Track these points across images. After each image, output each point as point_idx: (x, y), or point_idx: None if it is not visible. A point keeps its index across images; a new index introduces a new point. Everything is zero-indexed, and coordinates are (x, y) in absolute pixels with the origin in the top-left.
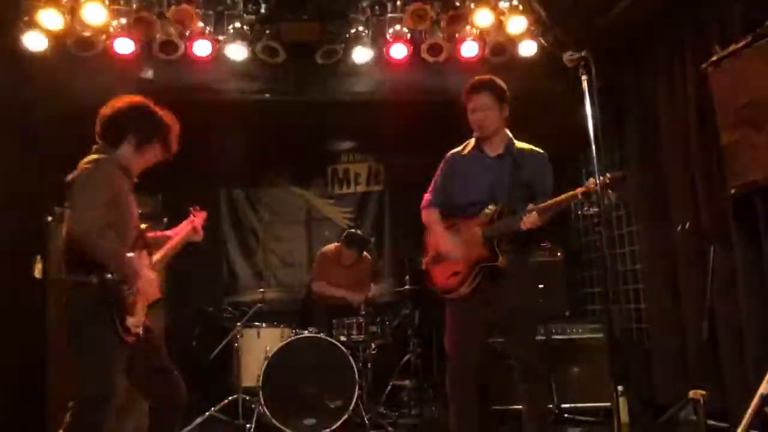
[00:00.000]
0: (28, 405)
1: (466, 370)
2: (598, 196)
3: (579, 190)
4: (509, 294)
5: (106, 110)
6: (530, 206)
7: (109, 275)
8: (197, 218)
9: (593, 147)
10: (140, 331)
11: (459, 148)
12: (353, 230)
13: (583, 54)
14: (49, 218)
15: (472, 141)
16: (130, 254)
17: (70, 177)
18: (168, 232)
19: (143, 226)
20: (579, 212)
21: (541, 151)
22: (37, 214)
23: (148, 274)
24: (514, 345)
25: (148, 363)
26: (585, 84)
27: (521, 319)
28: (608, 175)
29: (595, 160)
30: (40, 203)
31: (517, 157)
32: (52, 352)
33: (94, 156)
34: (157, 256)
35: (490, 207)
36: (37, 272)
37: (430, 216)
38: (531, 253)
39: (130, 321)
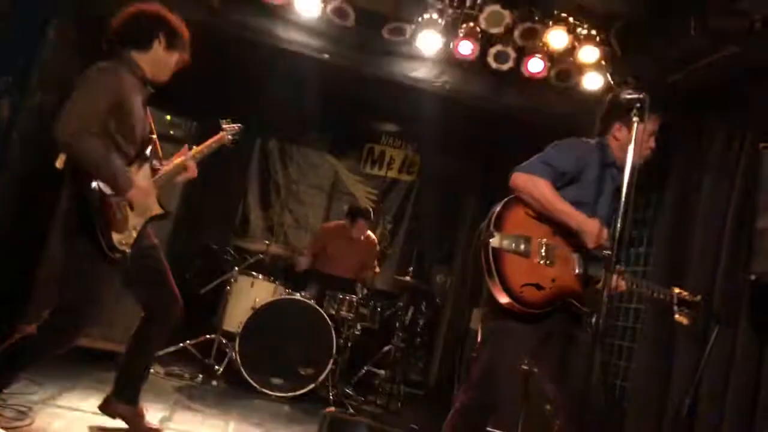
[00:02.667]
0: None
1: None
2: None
3: (673, 293)
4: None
5: (128, 12)
6: (629, 279)
7: (94, 185)
8: (227, 131)
9: (623, 194)
10: (127, 249)
11: (590, 147)
12: (356, 206)
13: (641, 96)
14: None
15: (608, 154)
16: (124, 164)
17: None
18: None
19: (152, 136)
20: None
21: None
22: None
23: (144, 186)
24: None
25: (144, 277)
26: (634, 127)
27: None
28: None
29: (622, 208)
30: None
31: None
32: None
33: (100, 64)
34: (168, 167)
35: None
36: (59, 163)
37: (549, 187)
38: None
39: (116, 237)
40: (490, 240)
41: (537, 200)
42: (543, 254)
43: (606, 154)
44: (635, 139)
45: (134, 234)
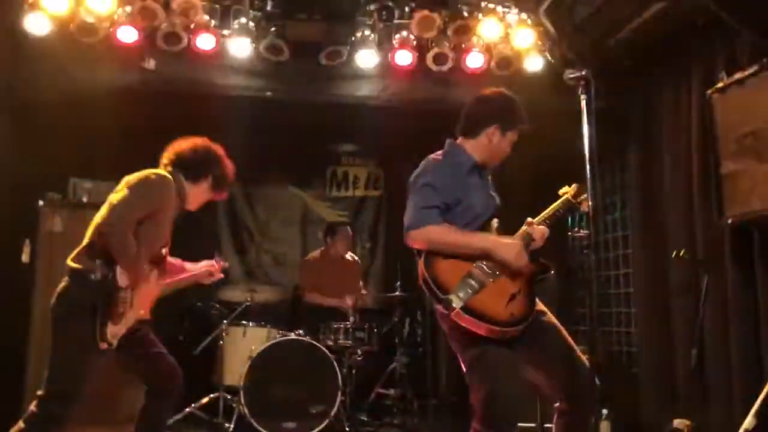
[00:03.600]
0: (6, 388)
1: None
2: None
3: (563, 198)
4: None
5: (189, 146)
6: (529, 220)
7: (111, 274)
8: (217, 266)
9: (588, 167)
10: (114, 343)
11: (451, 163)
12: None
13: (583, 73)
14: (41, 203)
15: (465, 159)
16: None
17: (130, 176)
18: (186, 264)
19: (164, 250)
20: (569, 233)
21: None
22: (30, 198)
23: (148, 289)
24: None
25: (136, 353)
26: (583, 103)
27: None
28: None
29: (589, 181)
30: (34, 188)
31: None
32: (36, 338)
33: (162, 171)
34: (166, 280)
35: (496, 222)
36: (25, 256)
37: (449, 229)
38: None
39: (111, 329)
40: (453, 306)
41: (446, 246)
42: (489, 272)
43: (465, 161)
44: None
45: (123, 330)
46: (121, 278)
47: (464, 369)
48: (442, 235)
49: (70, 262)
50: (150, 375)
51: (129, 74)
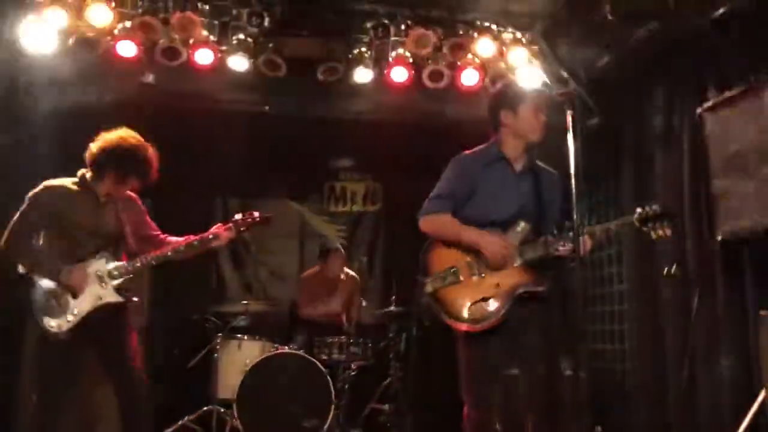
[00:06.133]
0: None
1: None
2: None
3: (636, 215)
4: (552, 319)
5: (93, 145)
6: (586, 228)
7: (25, 276)
8: (224, 228)
9: (573, 182)
10: (62, 332)
11: (473, 154)
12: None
13: (571, 89)
14: None
15: (493, 150)
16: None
17: None
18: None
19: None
20: (551, 249)
21: (554, 171)
22: None
23: (75, 271)
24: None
25: (106, 360)
26: (569, 119)
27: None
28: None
29: (574, 196)
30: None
31: (541, 176)
32: None
33: (48, 183)
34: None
35: (522, 225)
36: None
37: (445, 220)
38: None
39: (48, 322)
40: (425, 289)
41: (441, 236)
42: (474, 271)
43: (491, 152)
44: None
45: (72, 318)
46: (34, 272)
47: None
48: (438, 224)
49: None
50: (116, 386)
51: (128, 88)
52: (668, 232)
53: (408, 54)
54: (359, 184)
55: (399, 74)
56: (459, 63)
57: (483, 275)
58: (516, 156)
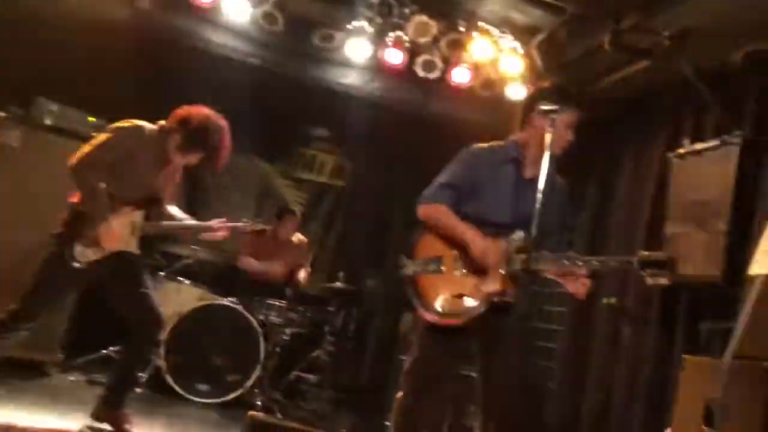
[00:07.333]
0: None
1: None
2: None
3: (639, 257)
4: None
5: (193, 115)
6: (573, 255)
7: (78, 204)
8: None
9: (539, 197)
10: (85, 264)
11: (487, 151)
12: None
13: (554, 108)
14: (1, 113)
15: (510, 150)
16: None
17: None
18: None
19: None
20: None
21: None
22: None
23: (113, 224)
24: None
25: (118, 291)
26: (547, 137)
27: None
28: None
29: (537, 213)
30: None
31: (551, 187)
32: None
33: (137, 123)
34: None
35: (520, 235)
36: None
37: (443, 211)
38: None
39: (78, 249)
40: (403, 270)
41: (436, 226)
42: (458, 266)
43: (509, 151)
44: (556, 134)
45: (97, 255)
46: (84, 206)
47: None
48: (435, 213)
49: None
50: (130, 315)
51: (121, 10)
52: (665, 281)
53: (406, 38)
54: (330, 156)
55: (394, 56)
56: (453, 59)
57: (466, 272)
58: (530, 161)
